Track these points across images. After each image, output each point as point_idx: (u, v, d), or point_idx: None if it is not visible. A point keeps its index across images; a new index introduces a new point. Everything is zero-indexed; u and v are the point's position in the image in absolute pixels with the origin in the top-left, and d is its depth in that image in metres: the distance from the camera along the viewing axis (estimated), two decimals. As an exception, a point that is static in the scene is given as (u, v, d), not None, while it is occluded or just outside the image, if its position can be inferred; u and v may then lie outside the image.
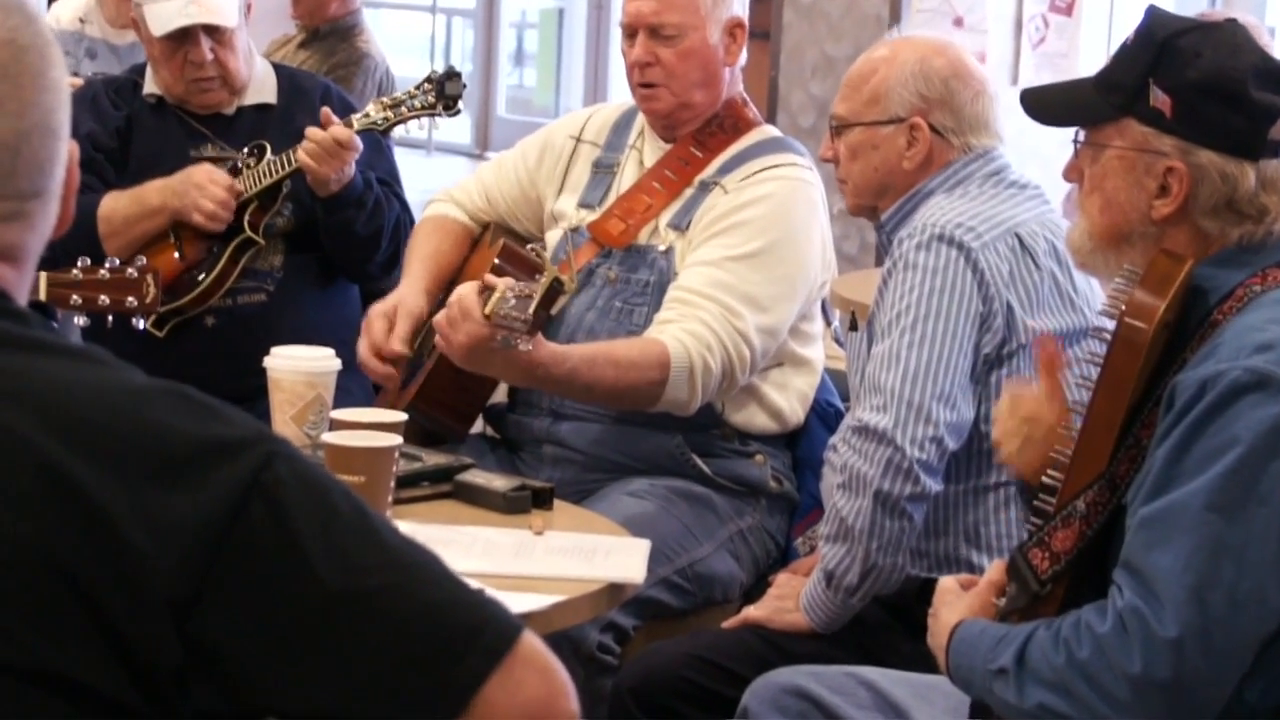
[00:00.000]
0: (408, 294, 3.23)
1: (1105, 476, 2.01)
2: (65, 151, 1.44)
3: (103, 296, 2.98)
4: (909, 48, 2.85)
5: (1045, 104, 2.22)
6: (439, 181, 4.17)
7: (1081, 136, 2.15)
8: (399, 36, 11.93)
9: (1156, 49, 2.09)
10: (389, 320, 3.18)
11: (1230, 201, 2.06)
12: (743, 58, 3.26)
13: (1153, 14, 2.15)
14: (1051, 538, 2.02)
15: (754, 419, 3.18)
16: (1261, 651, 1.93)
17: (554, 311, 2.72)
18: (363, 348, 3.18)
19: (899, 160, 2.82)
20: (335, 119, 3.42)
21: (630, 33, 3.20)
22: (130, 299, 2.98)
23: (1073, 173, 2.17)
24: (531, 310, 2.64)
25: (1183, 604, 1.88)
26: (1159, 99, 2.08)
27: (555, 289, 2.63)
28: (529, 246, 3.23)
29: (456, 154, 10.88)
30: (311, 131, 3.42)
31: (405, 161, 4.00)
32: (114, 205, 3.51)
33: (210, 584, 1.29)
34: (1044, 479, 2.06)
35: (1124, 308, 1.99)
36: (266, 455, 1.33)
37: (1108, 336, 2.01)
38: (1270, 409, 1.91)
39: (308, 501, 1.33)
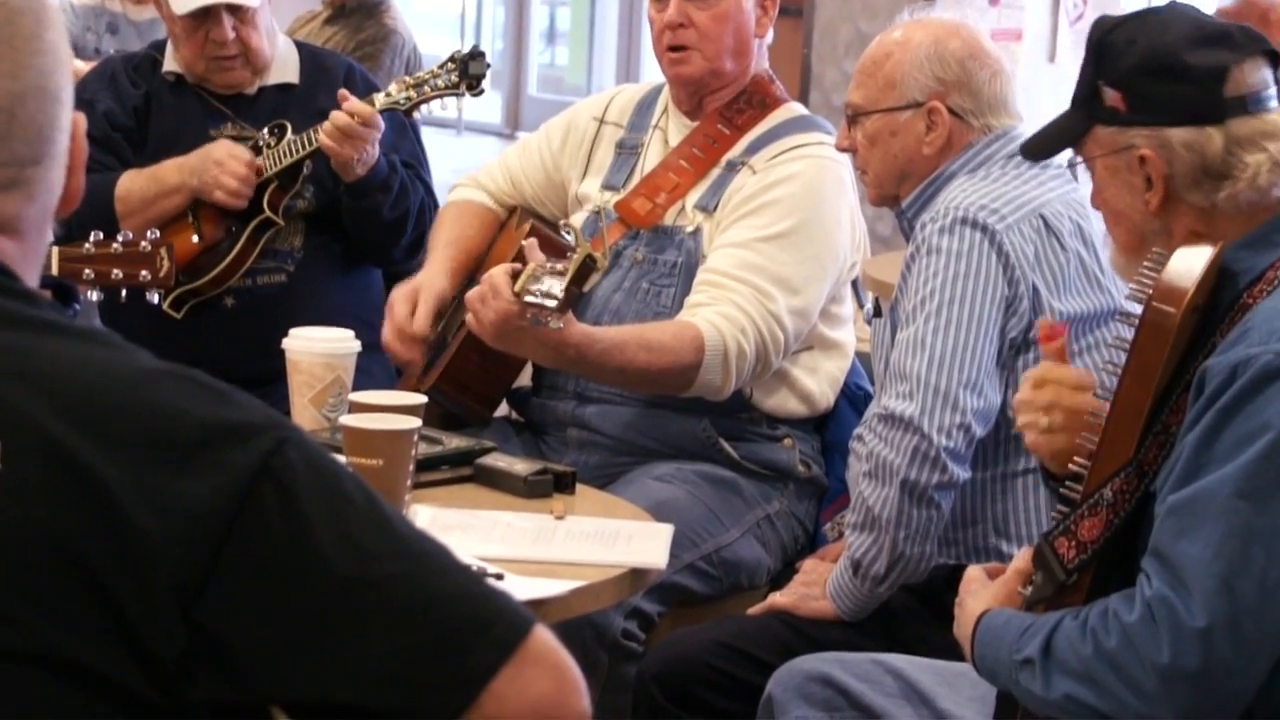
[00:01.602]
0: (431, 276, 3.24)
1: (1133, 464, 2.00)
2: (67, 118, 1.42)
3: (116, 270, 2.98)
4: (922, 30, 2.83)
5: (1038, 143, 2.29)
6: (469, 162, 4.17)
7: (1078, 160, 2.20)
8: (429, 13, 11.94)
9: (1096, 51, 2.15)
10: (411, 303, 3.19)
11: (1205, 168, 2.08)
12: (770, 34, 3.26)
13: (1095, 21, 2.20)
14: (1078, 526, 2.02)
15: (783, 403, 3.18)
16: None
17: (586, 289, 2.71)
18: (386, 330, 3.19)
19: (919, 145, 2.81)
20: (354, 98, 3.42)
21: None
22: (144, 272, 2.98)
23: (1093, 200, 2.21)
24: (564, 287, 2.64)
25: (1212, 593, 1.87)
26: (1111, 97, 2.12)
27: (588, 265, 2.63)
28: (561, 223, 3.23)
29: (487, 133, 10.88)
30: (334, 115, 3.41)
31: (434, 141, 4.00)
32: (131, 184, 3.51)
33: (218, 570, 1.29)
34: (1071, 466, 2.05)
35: (1151, 292, 1.98)
36: (277, 440, 1.33)
37: (1135, 321, 2.00)
38: None
39: (318, 487, 1.33)
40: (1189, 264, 1.99)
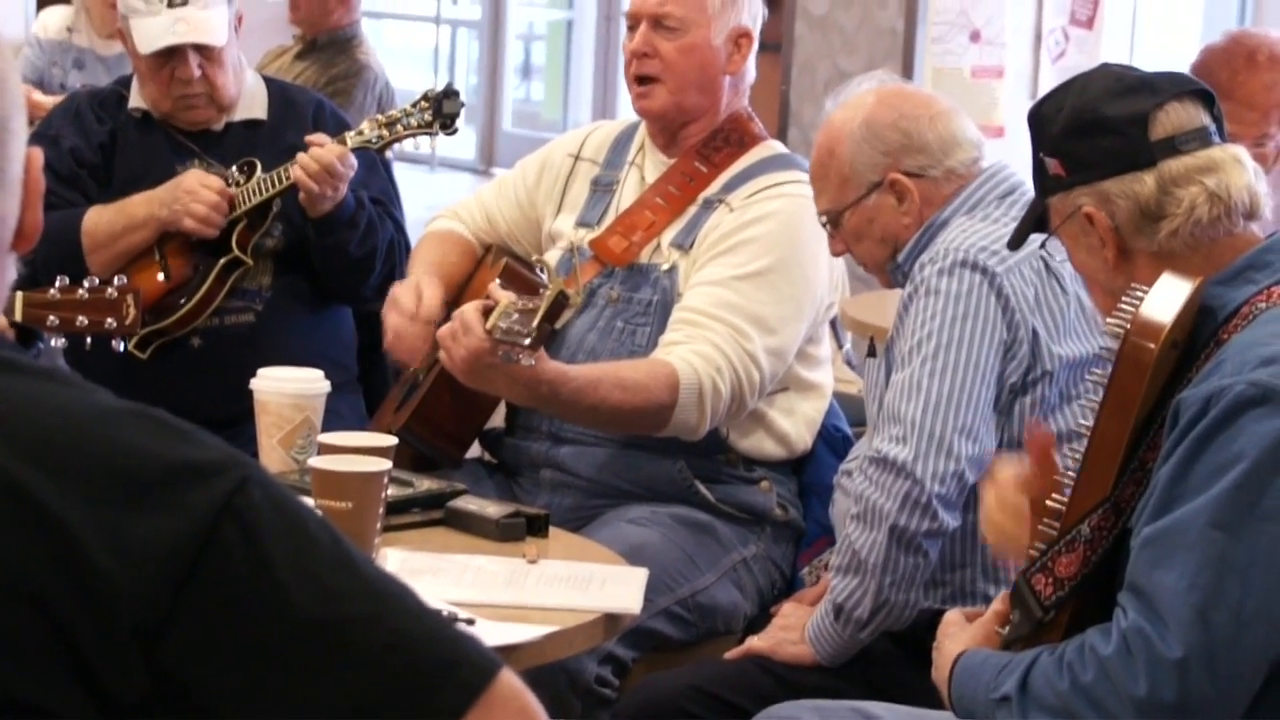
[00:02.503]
0: (425, 277, 3.24)
1: (1110, 500, 2.03)
2: (18, 148, 1.40)
3: (81, 317, 2.97)
4: (848, 116, 2.84)
5: (1014, 232, 2.36)
6: (442, 199, 4.19)
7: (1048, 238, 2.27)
8: (402, 48, 11.97)
9: (1032, 126, 2.23)
10: (415, 293, 3.20)
11: (1142, 211, 2.13)
12: (751, 74, 3.28)
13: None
14: (1055, 563, 2.04)
15: (760, 445, 3.19)
16: (1271, 674, 1.94)
17: (558, 325, 2.72)
18: (393, 319, 3.18)
19: (898, 219, 2.83)
20: (326, 140, 3.44)
21: (633, 23, 3.25)
22: (109, 320, 2.98)
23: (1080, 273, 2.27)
24: (535, 323, 2.65)
25: (1187, 624, 1.90)
26: (1052, 166, 2.20)
27: (560, 302, 2.65)
28: (535, 259, 3.25)
29: (460, 170, 10.89)
30: (316, 151, 3.42)
31: (407, 178, 4.02)
32: (98, 218, 3.52)
33: (180, 611, 1.29)
34: (1048, 502, 2.08)
35: (1129, 326, 2.01)
36: (241, 479, 1.33)
37: (1113, 356, 2.03)
38: (1275, 422, 1.93)
39: (282, 527, 1.33)
40: (1167, 299, 2.03)
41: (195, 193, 3.47)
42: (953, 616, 2.20)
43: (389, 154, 3.64)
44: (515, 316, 2.71)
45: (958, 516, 2.68)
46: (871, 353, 2.95)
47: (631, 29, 3.25)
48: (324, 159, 3.40)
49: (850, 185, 2.83)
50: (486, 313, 2.81)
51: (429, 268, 3.32)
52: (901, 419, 2.66)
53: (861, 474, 2.70)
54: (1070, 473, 2.07)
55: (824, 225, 2.89)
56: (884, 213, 2.82)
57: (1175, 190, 2.12)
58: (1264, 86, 3.66)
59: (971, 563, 2.78)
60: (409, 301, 3.20)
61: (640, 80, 3.22)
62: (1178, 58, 4.56)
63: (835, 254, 2.95)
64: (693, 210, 3.20)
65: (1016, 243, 2.36)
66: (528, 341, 2.68)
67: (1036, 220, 2.28)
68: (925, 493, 2.63)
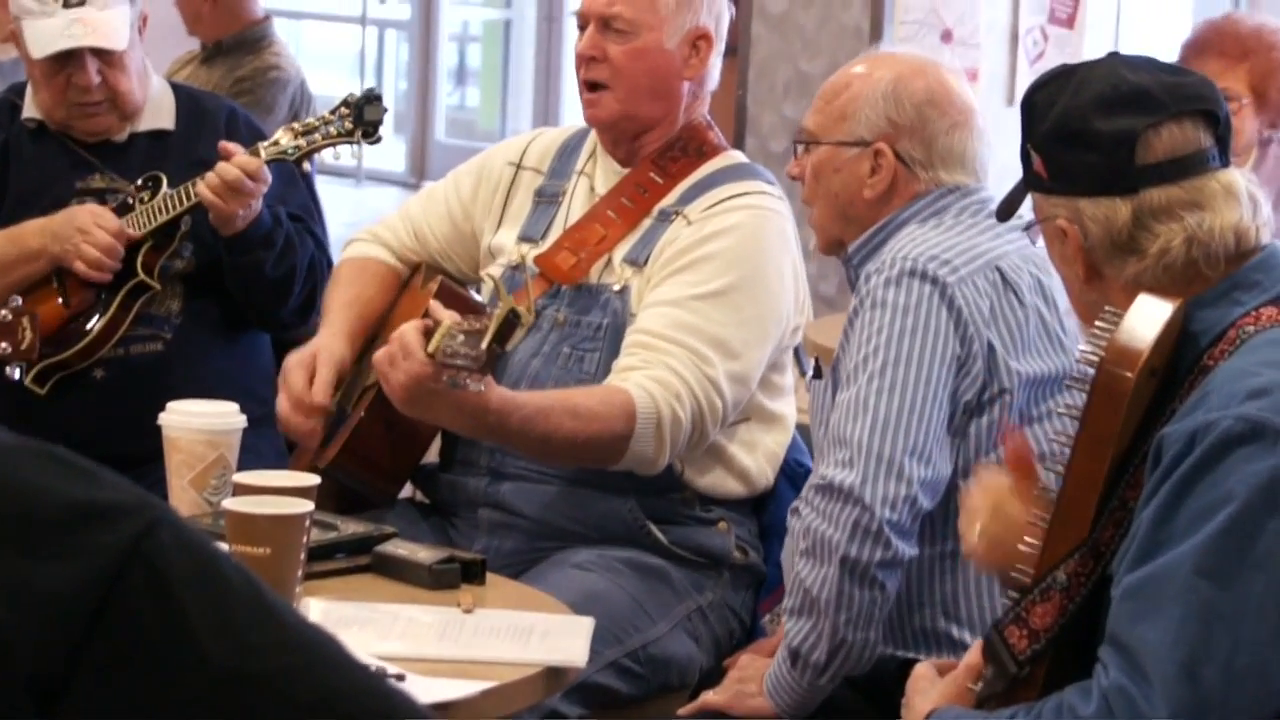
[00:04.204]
0: (327, 341, 3.25)
1: (1088, 544, 2.03)
2: None
3: None
4: (887, 65, 2.89)
5: (1002, 203, 2.37)
6: (369, 214, 4.20)
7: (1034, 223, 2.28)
8: (323, 50, 11.97)
9: (1024, 112, 2.23)
10: (308, 369, 3.20)
11: (1113, 241, 2.14)
12: (714, 79, 3.30)
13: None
14: (1030, 613, 2.04)
15: (718, 482, 3.20)
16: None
17: (509, 348, 2.73)
18: (281, 401, 3.20)
19: (859, 187, 2.86)
20: (238, 150, 3.44)
21: (582, 23, 3.26)
22: (3, 344, 2.98)
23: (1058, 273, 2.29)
24: (484, 345, 2.65)
25: (1173, 681, 1.90)
26: (1036, 162, 2.20)
27: (511, 321, 2.64)
28: (483, 274, 3.25)
29: (389, 183, 10.90)
30: (220, 167, 3.42)
31: (331, 191, 4.03)
32: (-12, 245, 3.53)
33: (82, 664, 1.29)
34: (1020, 546, 2.08)
35: (1104, 354, 2.01)
36: (148, 522, 1.33)
37: (1087, 386, 2.03)
38: (1266, 461, 1.94)
39: (195, 573, 1.33)
40: (1145, 323, 2.03)
41: (89, 233, 3.47)
42: (923, 670, 2.21)
43: (310, 166, 3.64)
44: (461, 338, 2.70)
45: (913, 545, 2.69)
46: (818, 374, 2.97)
47: (581, 29, 3.27)
48: (233, 173, 3.41)
49: (843, 125, 2.86)
50: (427, 334, 2.82)
51: (341, 313, 3.31)
52: (848, 441, 2.68)
53: (807, 504, 2.71)
54: (1044, 515, 2.07)
55: (796, 141, 2.93)
56: (852, 172, 2.86)
57: (1152, 224, 2.12)
58: (1266, 73, 3.70)
59: (930, 601, 2.79)
60: (299, 380, 3.19)
61: (590, 86, 3.25)
62: (1165, 58, 4.59)
63: (789, 174, 2.97)
64: (647, 223, 3.21)
65: (1002, 217, 2.38)
66: (475, 366, 2.68)
67: (1015, 200, 2.30)
68: (876, 519, 2.64)
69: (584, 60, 3.23)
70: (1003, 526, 2.24)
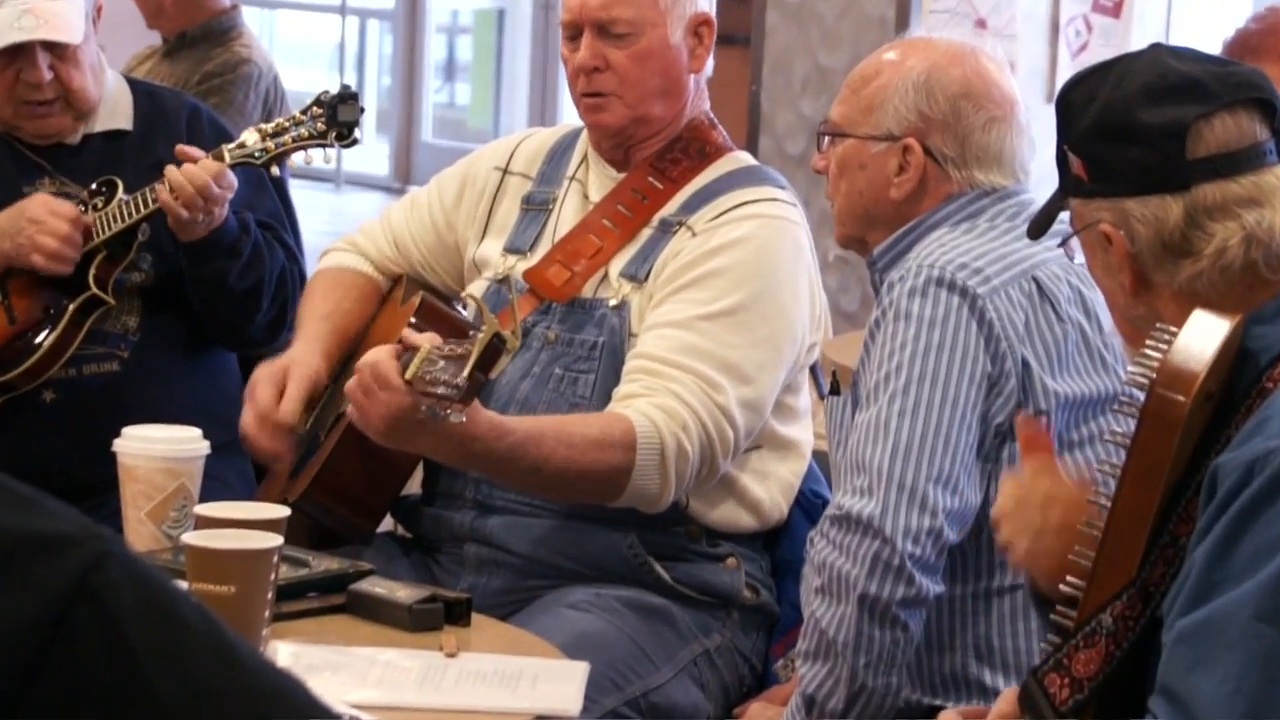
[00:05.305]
0: (302, 354, 3.24)
1: (1136, 584, 2.03)
2: None
3: None
4: (922, 52, 2.89)
5: (1035, 219, 2.37)
6: (349, 222, 4.20)
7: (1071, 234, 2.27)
8: (300, 43, 12.01)
9: (1059, 110, 2.22)
10: (278, 384, 3.19)
11: (1164, 244, 2.14)
12: (709, 66, 3.30)
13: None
14: (1072, 660, 2.03)
15: (727, 515, 3.20)
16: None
17: (493, 375, 2.73)
18: (247, 417, 3.19)
19: (886, 186, 2.86)
20: (199, 154, 3.44)
21: (573, 32, 3.24)
22: None
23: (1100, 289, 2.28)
24: (466, 373, 2.65)
25: None
26: (1075, 165, 2.20)
27: (496, 346, 2.63)
28: (463, 294, 3.25)
29: (372, 188, 10.93)
30: (179, 169, 3.42)
31: (307, 197, 4.03)
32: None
33: (22, 709, 1.29)
34: (1063, 587, 2.08)
35: (1155, 376, 2.01)
36: (97, 555, 1.33)
37: (1137, 412, 2.03)
38: None
39: (147, 611, 1.33)
40: (1201, 341, 2.02)
41: (43, 222, 3.47)
42: (949, 717, 2.21)
43: (283, 170, 3.64)
44: (441, 364, 2.70)
45: (939, 582, 2.69)
46: (834, 390, 2.97)
47: (572, 38, 3.24)
48: (196, 178, 3.41)
49: (870, 117, 2.87)
50: (401, 355, 2.81)
51: (316, 325, 3.31)
52: (867, 467, 2.68)
53: (822, 537, 2.71)
54: (1088, 553, 2.06)
55: (820, 132, 2.93)
56: (878, 168, 2.86)
57: (1206, 223, 2.12)
58: None
59: (961, 644, 2.79)
60: (267, 395, 3.19)
61: (591, 94, 3.23)
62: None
63: (814, 168, 2.97)
64: (647, 234, 3.21)
65: (1037, 232, 2.37)
66: (456, 394, 2.68)
67: (1052, 211, 2.29)
68: (897, 553, 2.64)
69: (584, 72, 3.21)
70: (1046, 518, 2.23)
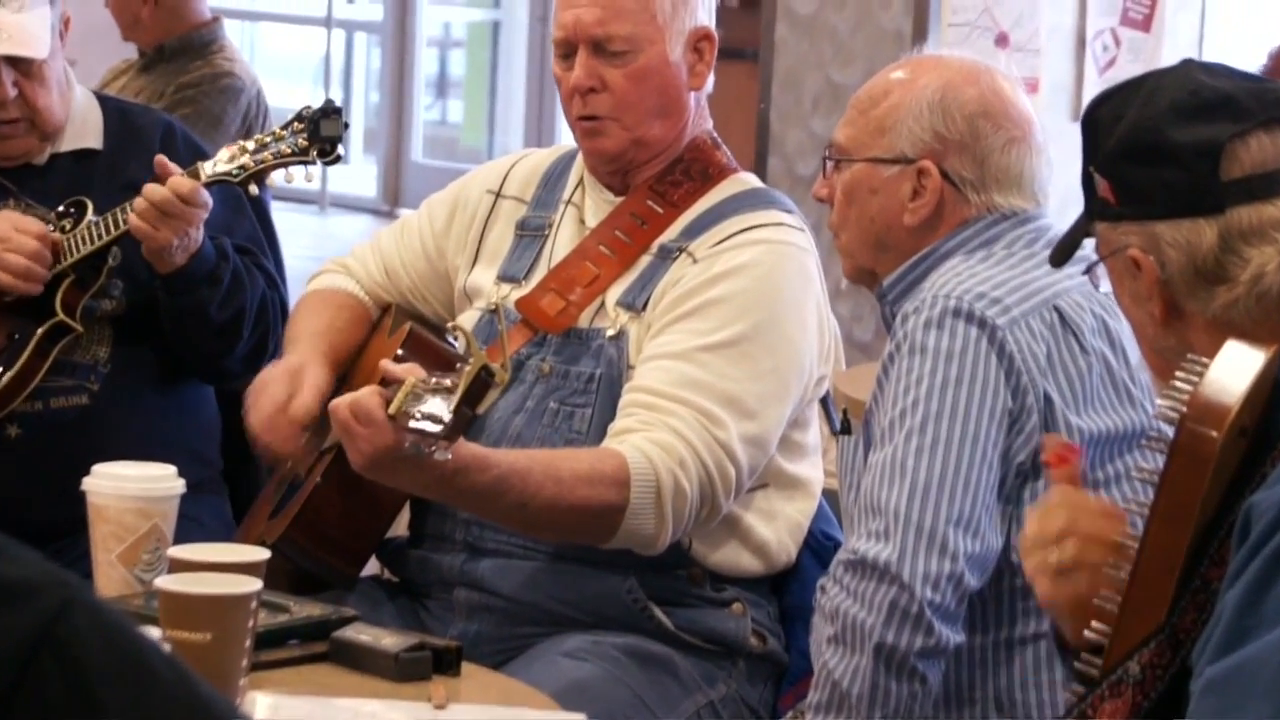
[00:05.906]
0: (310, 359, 3.25)
1: (1165, 630, 2.03)
2: None
3: None
4: (935, 70, 2.90)
5: (1059, 245, 2.36)
6: (335, 246, 4.20)
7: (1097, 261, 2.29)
8: (285, 58, 12.04)
9: (1086, 129, 2.24)
10: (290, 383, 3.20)
11: (1197, 269, 2.14)
12: (710, 83, 3.31)
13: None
14: (1098, 711, 2.03)
15: (732, 557, 3.19)
16: None
17: (481, 410, 2.73)
18: (257, 414, 3.18)
19: (900, 211, 2.87)
20: (175, 168, 3.45)
21: (566, 50, 3.24)
22: None
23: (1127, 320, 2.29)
24: (452, 408, 2.66)
25: None
26: (1102, 186, 2.21)
27: (484, 380, 2.64)
28: (450, 325, 3.25)
29: (358, 210, 10.94)
30: (148, 189, 3.42)
31: (289, 220, 4.04)
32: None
33: (-17, 768, 1.30)
34: (1088, 633, 2.08)
35: (1186, 410, 2.01)
36: (62, 602, 1.33)
37: (1166, 448, 2.03)
38: None
39: (115, 663, 1.33)
40: (1234, 373, 2.02)
41: (8, 239, 3.47)
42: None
43: (263, 190, 3.64)
44: (427, 399, 2.71)
45: (959, 631, 2.69)
46: (845, 429, 2.97)
47: (565, 56, 3.25)
48: (161, 194, 3.41)
49: (882, 139, 2.87)
50: (385, 389, 2.81)
51: (311, 340, 3.32)
52: (882, 510, 2.68)
53: (835, 583, 2.71)
54: (1114, 598, 2.07)
55: (825, 157, 2.93)
56: (892, 193, 2.86)
57: (1242, 248, 2.12)
58: None
59: (981, 696, 2.79)
60: (280, 391, 3.19)
61: (587, 117, 3.23)
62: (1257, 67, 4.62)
63: (815, 196, 2.97)
64: (646, 261, 3.21)
65: (1061, 258, 2.37)
66: (441, 430, 2.68)
67: (1076, 236, 2.30)
68: (916, 600, 2.64)
69: (580, 92, 3.21)
70: (1082, 544, 2.21)
